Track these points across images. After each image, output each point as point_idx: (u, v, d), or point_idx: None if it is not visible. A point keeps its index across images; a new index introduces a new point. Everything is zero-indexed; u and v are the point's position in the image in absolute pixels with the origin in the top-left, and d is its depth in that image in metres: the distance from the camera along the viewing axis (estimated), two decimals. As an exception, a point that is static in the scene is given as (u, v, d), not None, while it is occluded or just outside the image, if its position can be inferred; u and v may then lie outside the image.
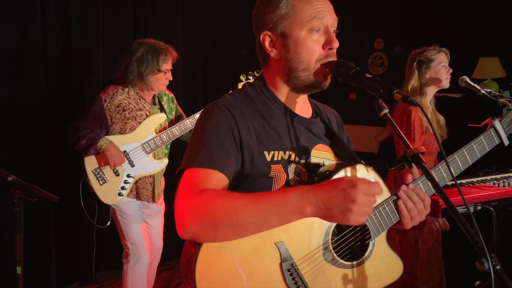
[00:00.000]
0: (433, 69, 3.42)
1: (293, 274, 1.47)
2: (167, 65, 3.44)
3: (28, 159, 3.98)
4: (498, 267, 1.26)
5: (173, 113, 3.73)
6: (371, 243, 1.61)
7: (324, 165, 1.66)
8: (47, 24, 4.01)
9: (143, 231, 3.60)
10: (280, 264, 1.47)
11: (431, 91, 3.48)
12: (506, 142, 1.83)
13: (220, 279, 1.40)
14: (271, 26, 1.57)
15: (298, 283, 1.48)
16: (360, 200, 1.31)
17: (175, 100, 3.76)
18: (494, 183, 2.91)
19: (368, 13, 6.13)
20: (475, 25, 4.98)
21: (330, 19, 1.57)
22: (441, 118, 3.51)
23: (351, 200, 1.31)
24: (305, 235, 1.51)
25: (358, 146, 5.04)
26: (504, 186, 2.86)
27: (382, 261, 1.63)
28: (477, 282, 2.88)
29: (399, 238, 3.49)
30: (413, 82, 3.47)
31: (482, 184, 2.93)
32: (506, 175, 3.17)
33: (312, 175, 1.60)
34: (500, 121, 1.83)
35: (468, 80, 2.93)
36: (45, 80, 4.06)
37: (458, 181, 2.96)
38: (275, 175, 1.54)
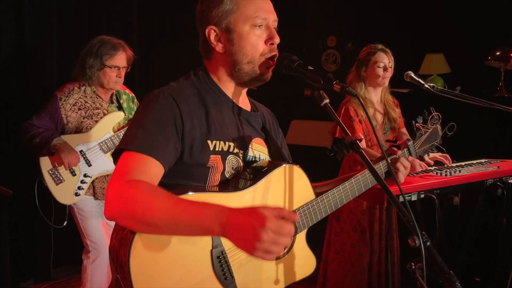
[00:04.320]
0: (369, 68, 3.57)
1: (221, 261, 1.53)
2: (114, 61, 3.35)
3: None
4: (428, 243, 1.37)
5: (133, 112, 3.65)
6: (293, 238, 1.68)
7: (259, 158, 1.75)
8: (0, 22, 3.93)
9: (103, 228, 3.54)
10: (211, 251, 1.52)
11: (370, 89, 3.63)
12: None
13: (153, 258, 1.44)
14: (216, 20, 1.64)
15: (224, 270, 1.53)
16: (265, 238, 1.30)
17: (135, 100, 3.70)
18: (437, 173, 3.04)
19: (322, 11, 6.23)
20: (422, 22, 5.15)
21: (271, 18, 1.66)
22: (397, 113, 3.67)
23: (256, 239, 1.30)
24: None
25: (312, 141, 5.14)
26: (446, 175, 2.99)
27: (300, 256, 1.72)
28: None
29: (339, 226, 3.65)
30: (351, 79, 3.67)
31: (426, 174, 3.07)
32: (450, 165, 3.33)
33: (246, 169, 1.67)
34: (413, 143, 2.12)
35: (412, 75, 3.08)
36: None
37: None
38: (213, 165, 1.60)
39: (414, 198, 2.83)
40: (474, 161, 3.41)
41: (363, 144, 3.44)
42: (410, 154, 2.07)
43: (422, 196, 2.85)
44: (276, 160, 1.79)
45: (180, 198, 1.42)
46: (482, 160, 3.44)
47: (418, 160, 2.03)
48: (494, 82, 4.48)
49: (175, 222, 1.38)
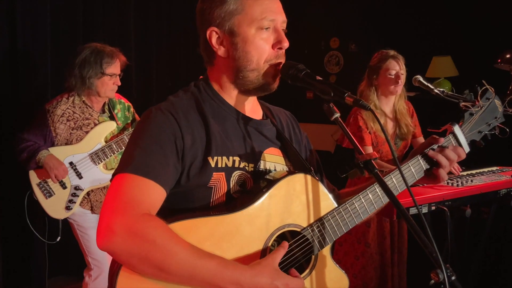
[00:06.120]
0: (381, 76, 3.42)
1: None
2: (112, 69, 3.25)
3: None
4: (453, 278, 1.22)
5: (129, 122, 3.52)
6: (313, 257, 1.52)
7: (275, 170, 1.58)
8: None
9: None
10: None
11: (382, 98, 3.49)
12: (466, 149, 1.67)
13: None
14: (218, 22, 1.48)
15: None
16: None
17: (132, 109, 3.56)
18: (447, 183, 2.90)
19: (324, 12, 6.15)
20: (429, 24, 5.03)
21: (279, 20, 1.50)
22: (410, 121, 3.51)
23: None
24: (240, 250, 1.40)
25: (315, 145, 4.99)
26: (457, 185, 2.86)
27: (325, 277, 1.54)
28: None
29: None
30: (362, 87, 3.52)
31: (435, 184, 2.92)
32: (460, 174, 3.18)
33: (259, 181, 1.51)
34: (461, 126, 1.70)
35: (421, 79, 2.94)
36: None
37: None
38: (215, 185, 1.45)
39: (424, 210, 2.70)
40: (485, 169, 3.28)
41: None
42: (458, 141, 1.66)
43: (434, 208, 2.71)
44: (293, 169, 1.62)
45: (201, 250, 1.30)
46: (494, 168, 3.31)
47: (461, 147, 1.62)
48: (504, 86, 4.33)
49: (192, 275, 1.28)
